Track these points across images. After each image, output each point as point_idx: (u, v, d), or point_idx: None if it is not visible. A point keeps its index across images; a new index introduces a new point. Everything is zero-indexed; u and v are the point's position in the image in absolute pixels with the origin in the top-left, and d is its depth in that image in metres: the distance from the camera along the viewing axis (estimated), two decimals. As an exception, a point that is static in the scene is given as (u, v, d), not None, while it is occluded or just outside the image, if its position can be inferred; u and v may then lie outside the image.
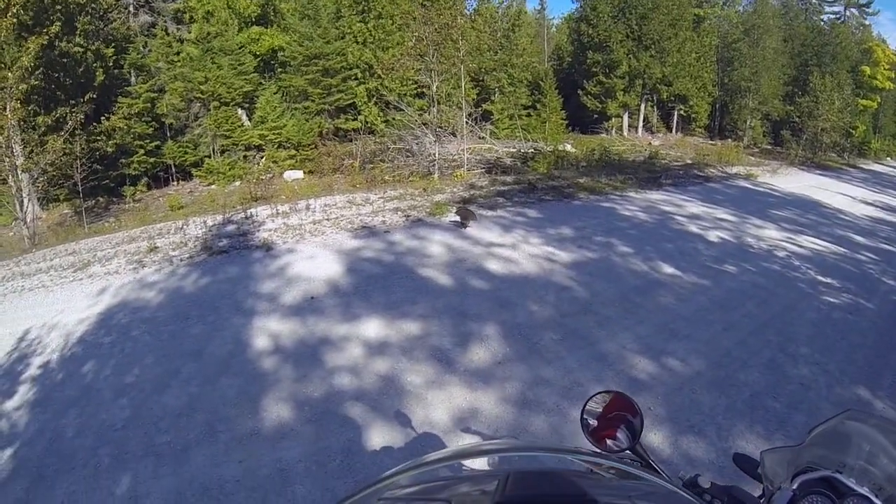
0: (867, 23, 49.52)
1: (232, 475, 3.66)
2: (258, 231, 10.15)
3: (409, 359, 5.17)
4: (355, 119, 19.55)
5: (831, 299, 7.31)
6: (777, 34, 35.50)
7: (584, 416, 1.41)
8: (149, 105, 15.81)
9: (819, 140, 31.96)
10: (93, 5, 14.91)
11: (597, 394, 1.44)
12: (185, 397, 4.64)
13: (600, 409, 1.42)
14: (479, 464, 1.03)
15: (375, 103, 19.64)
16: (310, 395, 4.58)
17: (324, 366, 5.08)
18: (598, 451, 1.30)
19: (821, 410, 4.40)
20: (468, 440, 3.95)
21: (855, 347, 5.85)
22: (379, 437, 4.00)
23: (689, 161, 22.98)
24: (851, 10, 48.73)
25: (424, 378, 4.81)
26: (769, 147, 34.94)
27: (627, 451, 1.31)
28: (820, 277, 8.25)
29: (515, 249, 8.71)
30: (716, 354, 5.41)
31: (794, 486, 0.92)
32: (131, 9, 17.98)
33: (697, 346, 5.57)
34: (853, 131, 38.96)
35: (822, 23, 44.54)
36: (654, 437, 3.94)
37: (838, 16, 48.46)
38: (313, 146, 18.04)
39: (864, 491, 0.86)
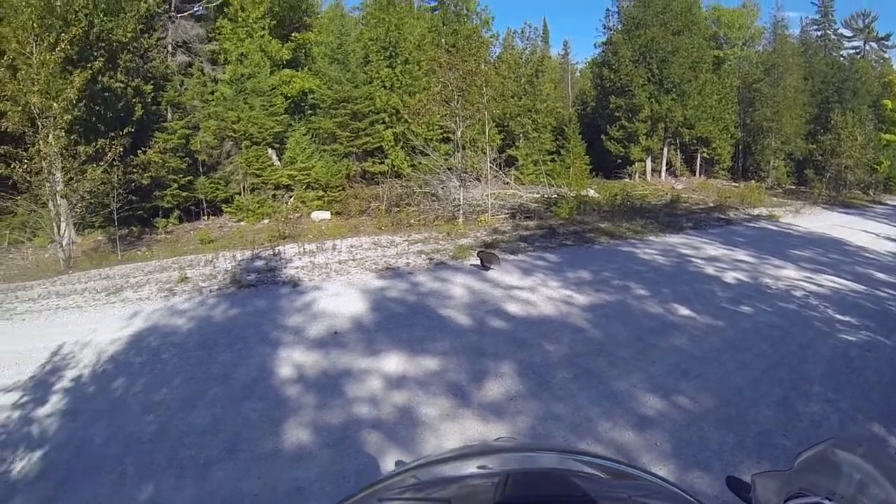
0: (886, 56, 48.24)
1: (250, 490, 3.80)
2: (285, 268, 10.45)
3: (426, 392, 5.30)
4: (382, 162, 19.98)
5: (848, 337, 7.25)
6: (797, 72, 34.86)
7: None
8: (183, 141, 16.50)
9: (843, 177, 31.14)
10: (134, 44, 15.79)
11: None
12: (210, 417, 4.81)
13: None
14: (480, 464, 1.13)
15: (402, 147, 20.09)
16: (329, 422, 4.72)
17: (344, 395, 5.23)
18: (599, 452, 1.37)
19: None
20: None
21: (871, 385, 5.80)
22: (392, 463, 4.08)
23: (711, 204, 22.90)
24: (871, 44, 47.75)
25: (440, 410, 4.93)
26: (793, 187, 34.07)
27: None
28: (838, 316, 8.18)
29: (534, 292, 8.84)
30: (727, 393, 5.43)
31: None
32: (170, 48, 18.98)
33: (708, 384, 5.61)
34: (877, 167, 37.87)
35: (842, 58, 43.04)
36: (659, 472, 3.95)
37: (858, 50, 47.48)
38: (341, 188, 18.48)
39: None
